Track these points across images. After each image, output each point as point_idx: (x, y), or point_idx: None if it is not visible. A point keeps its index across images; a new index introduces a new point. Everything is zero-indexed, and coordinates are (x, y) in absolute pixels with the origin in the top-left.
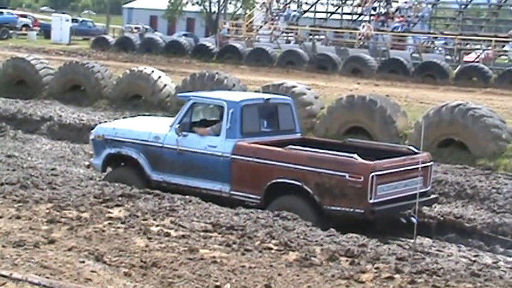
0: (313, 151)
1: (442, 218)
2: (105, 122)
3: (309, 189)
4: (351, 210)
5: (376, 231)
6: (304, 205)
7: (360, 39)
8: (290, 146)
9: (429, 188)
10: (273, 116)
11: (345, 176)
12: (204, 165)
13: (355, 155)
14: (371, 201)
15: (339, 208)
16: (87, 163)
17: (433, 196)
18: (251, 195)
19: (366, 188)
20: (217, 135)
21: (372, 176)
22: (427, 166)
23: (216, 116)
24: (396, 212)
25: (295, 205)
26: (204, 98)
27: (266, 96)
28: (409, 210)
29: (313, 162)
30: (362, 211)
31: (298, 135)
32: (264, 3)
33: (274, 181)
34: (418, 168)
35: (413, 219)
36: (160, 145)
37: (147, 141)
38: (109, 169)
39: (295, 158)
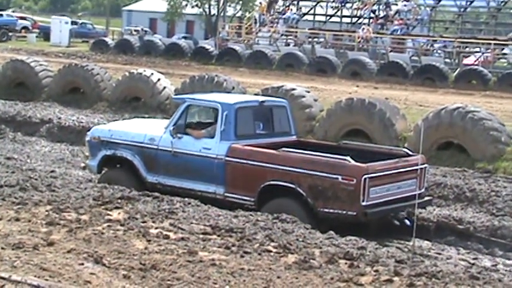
0: (306, 153)
1: (441, 221)
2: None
3: (302, 192)
4: (344, 212)
5: (373, 233)
6: (297, 207)
7: (359, 42)
8: (283, 149)
9: (423, 190)
10: (268, 119)
11: (337, 178)
12: (198, 167)
13: (348, 158)
14: (363, 203)
15: (331, 210)
16: (82, 165)
17: (427, 198)
18: (245, 197)
19: (358, 191)
20: (212, 137)
21: (365, 179)
22: (421, 168)
23: (211, 118)
24: (389, 214)
25: (288, 207)
26: (199, 100)
27: (261, 98)
28: (403, 213)
29: (306, 165)
30: (354, 213)
31: (294, 138)
32: (258, 9)
33: (267, 183)
34: (411, 170)
35: (407, 222)
36: (155, 147)
37: (142, 143)
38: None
39: (288, 160)
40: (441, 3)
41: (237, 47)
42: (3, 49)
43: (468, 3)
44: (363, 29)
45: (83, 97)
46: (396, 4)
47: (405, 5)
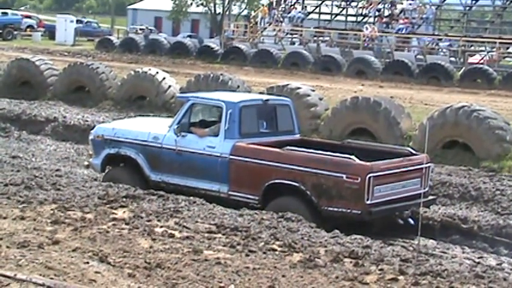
0: (310, 152)
1: (445, 220)
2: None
3: (306, 190)
4: (348, 211)
5: (377, 232)
6: (301, 206)
7: (365, 40)
8: (288, 147)
9: (427, 189)
10: (271, 117)
11: (342, 177)
12: (202, 165)
13: (353, 156)
14: (368, 202)
15: (336, 209)
16: (86, 163)
17: (431, 197)
18: (249, 196)
19: (362, 189)
20: (216, 135)
21: (369, 177)
22: (426, 167)
23: (215, 117)
24: (394, 213)
25: (292, 206)
26: (203, 98)
27: (265, 97)
28: (407, 212)
29: (310, 163)
30: (359, 212)
31: (297, 136)
32: (261, 9)
33: (272, 182)
34: (415, 169)
35: (411, 221)
36: (159, 145)
37: (146, 141)
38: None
39: (293, 159)
40: (446, 2)
41: (242, 45)
42: (9, 48)
43: (473, 2)
44: (368, 28)
45: (88, 96)
46: (401, 3)
47: (410, 4)
